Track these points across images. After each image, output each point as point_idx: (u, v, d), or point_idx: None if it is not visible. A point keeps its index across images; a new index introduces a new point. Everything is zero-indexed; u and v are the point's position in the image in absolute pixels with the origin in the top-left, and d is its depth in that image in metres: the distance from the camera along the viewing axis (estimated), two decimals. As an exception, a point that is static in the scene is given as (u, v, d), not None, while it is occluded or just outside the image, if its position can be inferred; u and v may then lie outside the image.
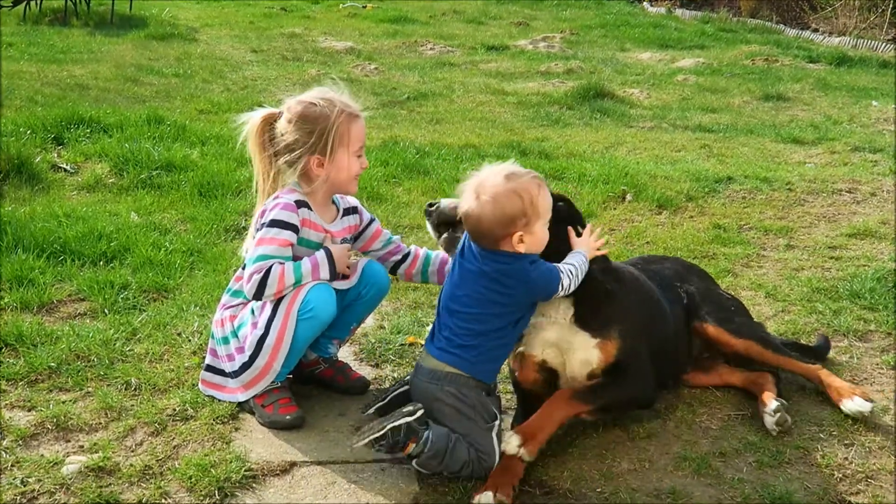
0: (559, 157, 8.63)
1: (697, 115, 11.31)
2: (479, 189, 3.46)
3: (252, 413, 3.90)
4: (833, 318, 4.87)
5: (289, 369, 3.92)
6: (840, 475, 3.51)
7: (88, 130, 8.62)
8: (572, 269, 3.55)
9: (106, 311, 4.86)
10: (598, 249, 3.70)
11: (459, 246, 3.61)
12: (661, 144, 9.47)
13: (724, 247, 6.12)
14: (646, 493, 3.41)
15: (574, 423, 3.87)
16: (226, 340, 3.96)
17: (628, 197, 7.17)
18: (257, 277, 3.66)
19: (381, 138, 9.25)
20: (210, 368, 4.04)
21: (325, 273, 3.77)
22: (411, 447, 3.37)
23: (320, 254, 3.79)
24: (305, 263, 3.73)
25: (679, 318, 4.18)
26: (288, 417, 3.81)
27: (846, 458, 3.61)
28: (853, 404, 3.91)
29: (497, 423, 3.51)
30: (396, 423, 3.39)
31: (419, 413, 3.41)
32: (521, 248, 3.43)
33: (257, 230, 3.81)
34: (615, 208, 7.00)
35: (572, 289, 3.55)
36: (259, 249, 3.72)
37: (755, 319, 4.57)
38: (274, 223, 3.74)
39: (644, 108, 11.85)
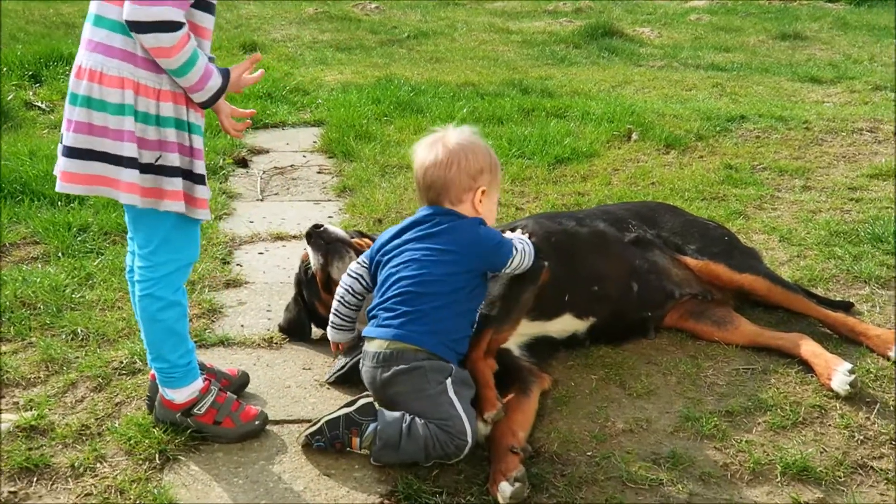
0: (562, 96, 8.28)
1: (710, 55, 10.95)
2: (444, 140, 3.25)
3: (204, 437, 3.13)
4: (853, 264, 4.51)
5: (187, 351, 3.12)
6: (861, 437, 3.17)
7: (68, 68, 8.25)
8: (519, 244, 3.29)
9: (60, 254, 4.52)
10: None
11: (373, 249, 3.35)
12: (671, 83, 9.10)
13: (736, 188, 5.75)
14: (642, 457, 3.06)
15: (564, 378, 3.55)
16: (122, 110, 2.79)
17: (634, 136, 6.80)
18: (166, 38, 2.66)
19: (376, 76, 8.88)
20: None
21: (214, 82, 2.85)
22: (356, 441, 3.00)
23: (219, 69, 2.91)
24: (203, 59, 2.82)
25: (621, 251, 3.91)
26: (257, 423, 3.18)
27: (867, 419, 3.27)
28: None
29: (449, 380, 3.04)
30: (333, 416, 3.03)
31: (361, 402, 3.04)
32: (482, 210, 3.24)
33: None
34: (620, 147, 6.63)
35: (525, 264, 3.30)
36: None
37: (767, 264, 4.23)
38: None
39: (654, 48, 11.49)
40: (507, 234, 3.35)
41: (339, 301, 3.46)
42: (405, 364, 3.03)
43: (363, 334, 3.20)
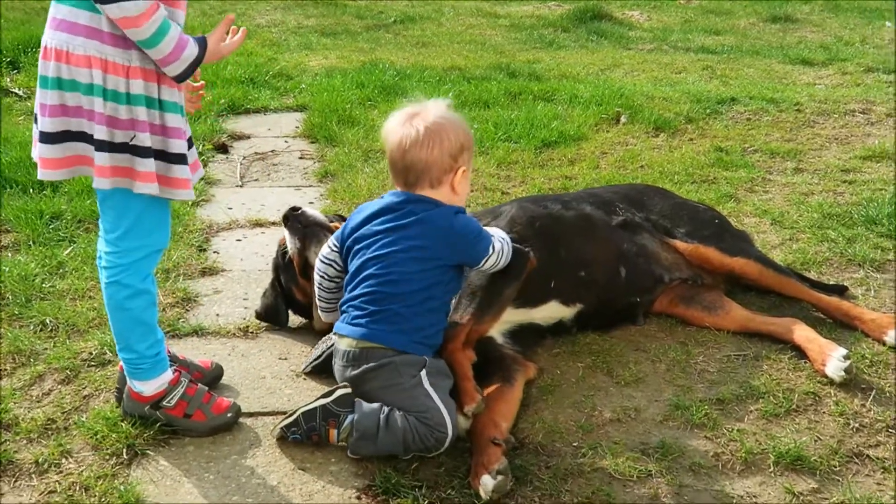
0: (550, 79, 8.11)
1: (700, 37, 10.81)
2: (423, 116, 3.05)
3: (174, 430, 3.01)
4: (847, 247, 4.40)
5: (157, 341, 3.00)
6: (857, 425, 3.07)
7: (46, 54, 8.09)
8: (497, 243, 3.14)
9: (31, 243, 4.38)
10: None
11: (342, 233, 3.20)
12: (661, 66, 8.95)
13: (727, 170, 5.62)
14: (630, 447, 2.95)
15: (550, 366, 3.43)
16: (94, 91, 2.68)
17: (623, 119, 6.66)
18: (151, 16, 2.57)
19: (361, 61, 8.72)
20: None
21: (190, 52, 2.70)
22: (333, 434, 2.87)
23: (194, 37, 2.76)
24: (175, 29, 2.67)
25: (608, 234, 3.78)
26: (230, 415, 3.05)
27: (863, 406, 3.17)
28: None
29: (423, 371, 2.93)
30: (309, 407, 2.90)
31: (339, 393, 2.90)
32: (459, 189, 3.08)
33: None
34: (608, 131, 6.48)
35: (501, 264, 3.17)
36: None
37: (758, 248, 4.12)
38: None
39: (644, 31, 11.34)
40: (489, 229, 3.20)
41: (318, 287, 3.34)
42: (374, 362, 2.92)
43: (334, 330, 3.08)
